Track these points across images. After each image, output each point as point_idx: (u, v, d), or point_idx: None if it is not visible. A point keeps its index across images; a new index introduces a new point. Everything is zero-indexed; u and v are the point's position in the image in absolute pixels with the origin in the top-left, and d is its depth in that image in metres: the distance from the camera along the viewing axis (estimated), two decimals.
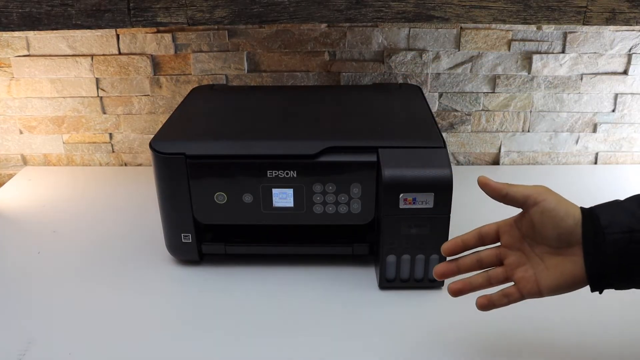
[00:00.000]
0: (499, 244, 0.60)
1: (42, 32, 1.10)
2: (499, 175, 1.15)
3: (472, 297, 0.78)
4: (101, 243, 0.92)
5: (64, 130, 1.19)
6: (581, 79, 1.12)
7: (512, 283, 0.58)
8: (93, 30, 1.10)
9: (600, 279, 0.52)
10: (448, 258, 0.61)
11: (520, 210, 0.58)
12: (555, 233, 0.54)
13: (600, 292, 0.53)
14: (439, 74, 1.13)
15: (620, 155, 1.19)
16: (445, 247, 0.59)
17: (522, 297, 0.57)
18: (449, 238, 0.74)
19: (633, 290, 0.53)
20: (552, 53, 1.10)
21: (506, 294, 0.58)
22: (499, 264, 0.60)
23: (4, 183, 1.17)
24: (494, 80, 1.13)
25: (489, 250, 0.60)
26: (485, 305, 0.59)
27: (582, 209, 0.54)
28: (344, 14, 0.85)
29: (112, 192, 1.10)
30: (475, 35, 1.09)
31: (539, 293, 0.56)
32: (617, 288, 0.53)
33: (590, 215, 0.52)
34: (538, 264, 0.56)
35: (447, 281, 0.78)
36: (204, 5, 0.84)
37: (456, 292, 0.60)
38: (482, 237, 0.59)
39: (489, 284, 0.60)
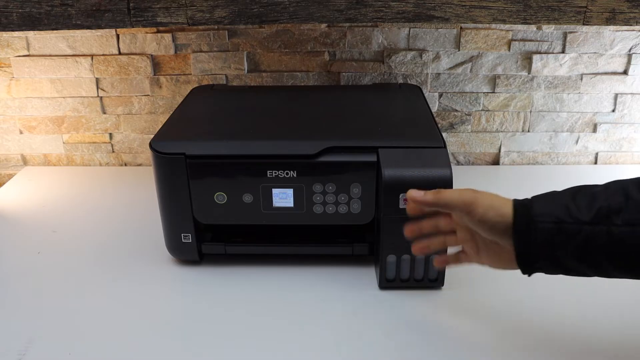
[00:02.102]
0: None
1: (42, 32, 1.10)
2: (499, 175, 1.15)
3: (472, 298, 0.78)
4: (101, 243, 0.92)
5: (64, 130, 1.19)
6: (581, 79, 1.12)
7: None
8: (93, 30, 1.10)
9: (529, 264, 0.56)
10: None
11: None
12: (489, 236, 0.59)
13: (529, 275, 0.58)
14: (439, 74, 1.13)
15: (620, 155, 1.19)
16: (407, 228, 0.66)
17: (470, 263, 0.66)
18: None
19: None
20: (552, 53, 1.10)
21: (457, 257, 0.67)
22: (452, 232, 0.65)
23: (4, 183, 1.17)
24: (494, 80, 1.13)
25: (445, 221, 0.65)
26: (441, 263, 0.69)
27: (514, 200, 0.57)
28: (344, 14, 0.85)
29: (112, 192, 1.10)
30: (475, 35, 1.09)
31: (481, 264, 0.64)
32: (546, 272, 0.57)
33: (524, 204, 0.56)
34: (481, 245, 0.62)
35: (446, 279, 0.79)
36: (204, 5, 0.84)
37: (418, 251, 0.67)
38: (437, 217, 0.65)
39: (444, 246, 0.67)
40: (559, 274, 0.56)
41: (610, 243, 0.51)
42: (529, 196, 0.58)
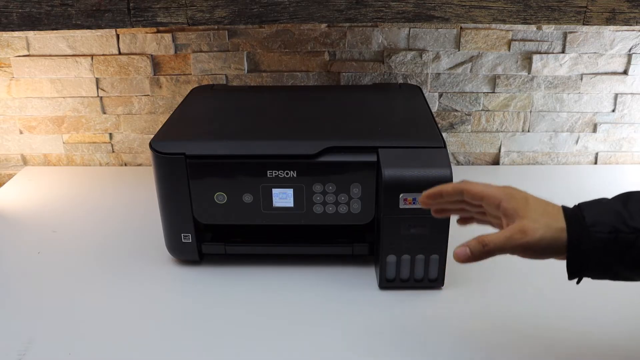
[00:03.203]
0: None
1: (42, 32, 1.10)
2: (499, 175, 1.15)
3: (472, 298, 0.78)
4: (101, 243, 0.92)
5: (64, 130, 1.19)
6: (581, 79, 1.12)
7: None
8: (93, 30, 1.10)
9: (579, 272, 0.54)
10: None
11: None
12: (541, 256, 0.55)
13: (578, 282, 0.55)
14: (439, 74, 1.13)
15: (620, 155, 1.19)
16: (426, 192, 0.60)
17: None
18: (449, 238, 0.75)
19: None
20: (552, 53, 1.10)
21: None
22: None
23: (4, 183, 1.17)
24: (494, 80, 1.13)
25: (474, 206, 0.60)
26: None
27: (564, 210, 0.54)
28: (344, 14, 0.85)
29: (112, 192, 1.10)
30: (475, 35, 1.09)
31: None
32: (593, 278, 0.55)
33: (576, 214, 0.53)
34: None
35: (446, 279, 0.79)
36: (204, 5, 0.84)
37: (436, 212, 0.63)
38: (463, 196, 0.59)
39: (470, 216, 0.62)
40: (607, 279, 0.55)
41: None
42: None
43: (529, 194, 0.56)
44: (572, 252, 0.52)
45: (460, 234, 0.90)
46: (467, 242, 0.54)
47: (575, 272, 0.54)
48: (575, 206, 0.55)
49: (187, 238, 0.82)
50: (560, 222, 0.53)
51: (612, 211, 0.52)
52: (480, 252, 0.54)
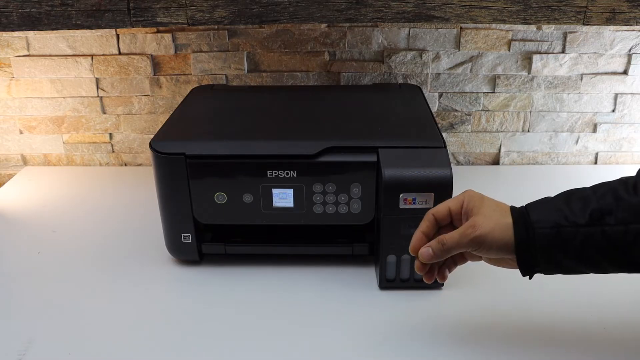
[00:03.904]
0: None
1: (42, 32, 1.10)
2: (499, 175, 1.15)
3: (472, 298, 0.78)
4: (101, 243, 0.92)
5: (64, 130, 1.19)
6: (581, 79, 1.12)
7: None
8: (93, 30, 1.10)
9: (531, 268, 0.58)
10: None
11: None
12: (497, 255, 0.60)
13: (530, 278, 0.60)
14: (439, 74, 1.13)
15: (620, 155, 1.19)
16: (413, 246, 0.63)
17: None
18: None
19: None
20: (552, 53, 1.10)
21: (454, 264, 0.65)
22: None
23: (4, 183, 1.17)
24: (494, 80, 1.13)
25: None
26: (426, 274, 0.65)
27: (512, 211, 0.59)
28: (344, 14, 0.85)
29: (112, 192, 1.10)
30: (475, 35, 1.09)
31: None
32: (545, 273, 0.59)
33: (521, 213, 0.58)
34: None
35: (447, 283, 0.79)
36: (204, 5, 0.84)
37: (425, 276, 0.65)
38: (438, 222, 0.63)
39: (452, 267, 0.66)
40: (558, 273, 0.59)
41: (605, 242, 0.54)
42: (529, 195, 0.60)
43: (485, 199, 0.60)
44: (520, 248, 0.57)
45: None
46: (429, 242, 0.60)
47: (526, 268, 0.58)
48: (522, 206, 0.59)
49: (187, 238, 0.82)
50: (508, 218, 0.57)
51: (554, 208, 0.56)
52: (440, 250, 0.59)
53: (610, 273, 0.57)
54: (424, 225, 0.62)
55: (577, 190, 0.58)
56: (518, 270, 0.59)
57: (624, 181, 0.56)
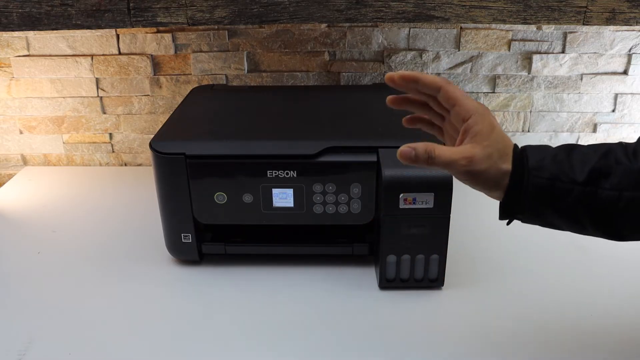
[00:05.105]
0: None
1: (42, 32, 1.10)
2: None
3: (472, 298, 0.78)
4: (101, 243, 0.92)
5: (64, 130, 1.19)
6: (581, 79, 1.13)
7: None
8: (93, 30, 1.10)
9: (511, 213, 0.55)
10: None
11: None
12: (480, 188, 0.56)
13: (508, 224, 0.57)
14: (439, 74, 1.13)
15: None
16: (400, 73, 0.58)
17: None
18: (449, 238, 0.75)
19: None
20: (552, 53, 1.10)
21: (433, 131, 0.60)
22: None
23: (4, 183, 1.17)
24: (494, 80, 1.13)
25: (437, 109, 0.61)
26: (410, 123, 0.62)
27: (513, 155, 0.55)
28: (344, 14, 0.85)
29: (112, 192, 1.10)
30: (475, 35, 1.09)
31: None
32: (523, 221, 0.56)
33: (521, 157, 0.54)
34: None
35: (446, 279, 0.79)
36: (204, 5, 0.84)
37: (392, 102, 0.62)
38: (439, 92, 0.58)
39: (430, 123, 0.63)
40: (536, 224, 0.56)
41: (596, 204, 0.52)
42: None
43: (497, 122, 0.56)
44: (510, 195, 0.54)
45: (459, 235, 0.90)
46: (415, 144, 0.54)
47: (507, 213, 0.55)
48: (522, 147, 0.56)
49: (187, 238, 0.82)
50: (508, 164, 0.54)
51: (555, 159, 0.54)
52: (424, 160, 0.54)
53: (588, 235, 0.55)
54: (430, 78, 0.57)
55: (579, 145, 0.56)
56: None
57: (624, 145, 0.54)
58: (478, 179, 0.54)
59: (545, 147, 0.56)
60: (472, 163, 0.53)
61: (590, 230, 0.55)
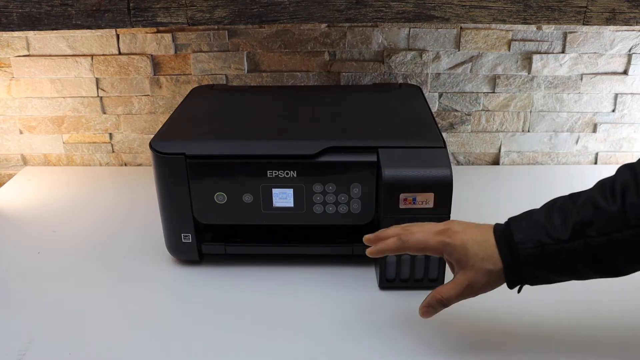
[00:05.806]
0: None
1: (42, 32, 1.10)
2: (499, 176, 1.15)
3: (471, 299, 0.78)
4: (101, 243, 0.92)
5: (64, 130, 1.19)
6: (581, 79, 1.13)
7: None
8: (93, 30, 1.10)
9: (516, 284, 0.60)
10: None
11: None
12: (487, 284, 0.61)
13: (519, 292, 0.61)
14: (439, 74, 1.13)
15: (620, 155, 1.19)
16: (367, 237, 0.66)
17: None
18: None
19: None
20: (552, 53, 1.10)
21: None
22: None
23: (4, 183, 1.17)
24: (494, 80, 1.13)
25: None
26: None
27: (495, 234, 0.59)
28: (344, 14, 0.85)
29: (112, 192, 1.10)
30: (475, 35, 1.09)
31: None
32: (531, 285, 0.60)
33: (505, 235, 0.58)
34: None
35: (446, 279, 0.79)
36: (204, 5, 0.84)
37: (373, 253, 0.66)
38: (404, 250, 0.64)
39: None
40: (543, 284, 0.60)
41: (589, 253, 0.55)
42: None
43: (466, 235, 0.60)
44: (509, 274, 0.58)
45: None
46: (428, 301, 0.62)
47: (514, 284, 0.60)
48: (505, 223, 0.60)
49: (187, 238, 0.82)
50: (498, 262, 0.58)
51: (537, 224, 0.57)
52: (441, 305, 0.61)
53: (594, 279, 0.58)
54: (390, 244, 0.63)
55: (557, 200, 0.58)
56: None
57: (601, 185, 0.56)
58: (487, 288, 0.60)
59: (529, 214, 0.59)
60: (474, 286, 0.59)
61: (595, 275, 0.58)
